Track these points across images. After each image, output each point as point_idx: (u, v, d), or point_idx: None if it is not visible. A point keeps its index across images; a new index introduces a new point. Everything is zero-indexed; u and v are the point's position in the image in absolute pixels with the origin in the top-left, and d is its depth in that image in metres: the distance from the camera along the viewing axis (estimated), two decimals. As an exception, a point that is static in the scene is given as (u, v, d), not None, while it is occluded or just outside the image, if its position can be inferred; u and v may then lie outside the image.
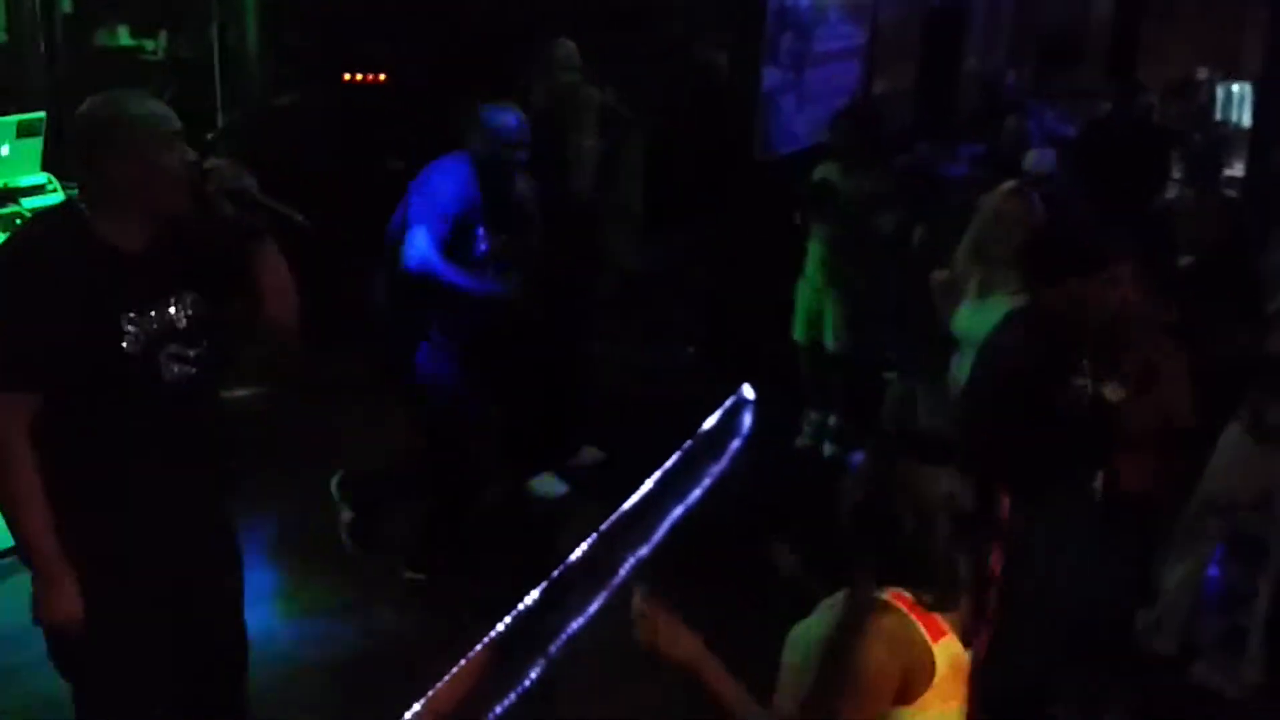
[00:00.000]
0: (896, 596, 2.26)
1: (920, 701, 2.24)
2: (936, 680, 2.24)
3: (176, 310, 2.86)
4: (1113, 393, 3.16)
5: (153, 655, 2.91)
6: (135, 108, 2.80)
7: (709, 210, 7.38)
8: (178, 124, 2.83)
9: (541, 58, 5.36)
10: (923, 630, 2.23)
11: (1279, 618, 4.45)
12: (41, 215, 2.91)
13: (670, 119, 7.83)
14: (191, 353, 2.87)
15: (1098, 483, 3.38)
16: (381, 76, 8.00)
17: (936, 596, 2.26)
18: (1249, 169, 9.41)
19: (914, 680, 2.22)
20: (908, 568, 2.26)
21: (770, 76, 7.12)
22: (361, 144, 7.91)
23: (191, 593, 2.98)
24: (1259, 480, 4.35)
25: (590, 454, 5.99)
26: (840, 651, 2.21)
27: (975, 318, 4.20)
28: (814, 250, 6.12)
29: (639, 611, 2.42)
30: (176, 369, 2.84)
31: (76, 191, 2.91)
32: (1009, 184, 4.32)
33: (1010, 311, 3.67)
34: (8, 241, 3.07)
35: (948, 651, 2.27)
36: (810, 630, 2.41)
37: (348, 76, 7.96)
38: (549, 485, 5.71)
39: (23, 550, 2.81)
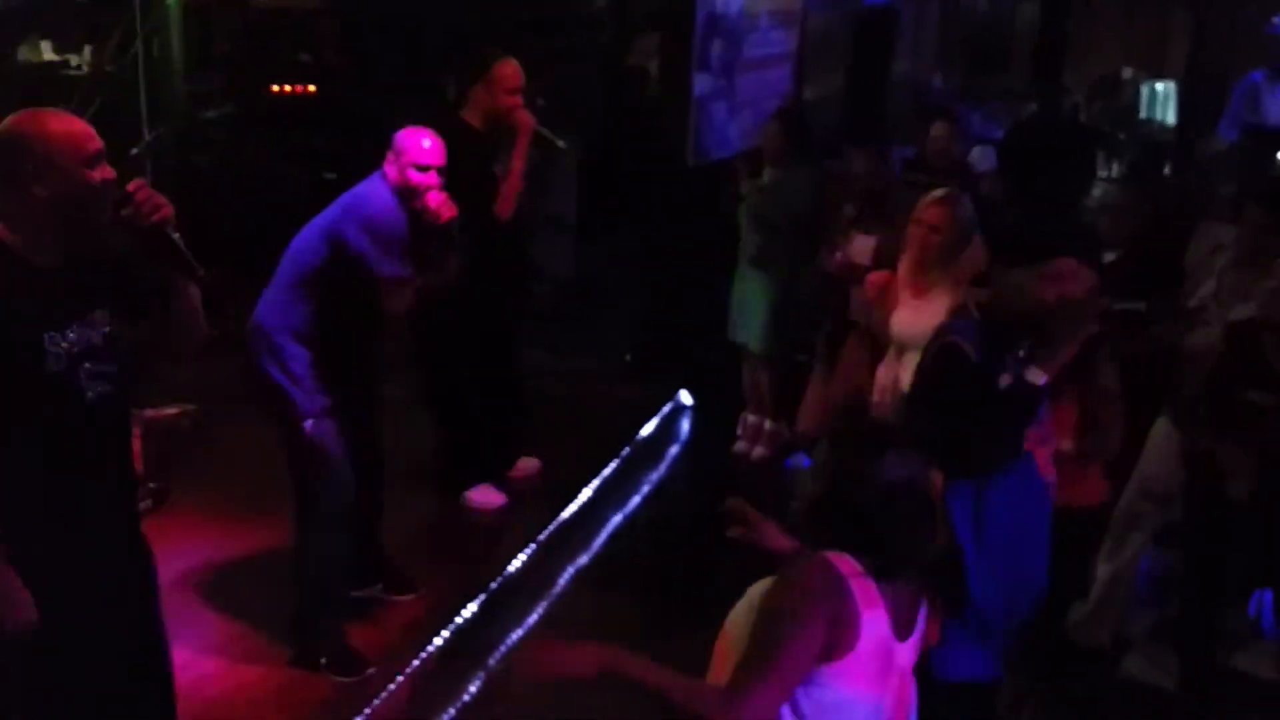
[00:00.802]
0: (838, 558, 2.33)
1: (841, 666, 2.29)
2: (859, 651, 2.29)
3: (94, 328, 2.85)
4: (1035, 376, 3.25)
5: (69, 675, 2.89)
6: (56, 125, 2.78)
7: (642, 217, 7.39)
8: (98, 142, 2.82)
9: (483, 75, 5.27)
10: (855, 593, 2.29)
11: (1207, 608, 4.51)
12: None
13: (602, 127, 7.85)
14: (108, 370, 2.87)
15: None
16: (311, 88, 7.95)
17: (881, 564, 2.34)
18: (1174, 166, 9.60)
19: (838, 638, 2.28)
20: (861, 545, 2.35)
21: (701, 83, 7.13)
22: (293, 155, 7.85)
23: (114, 608, 2.97)
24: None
25: (527, 464, 5.97)
26: (774, 603, 2.30)
27: (913, 318, 4.26)
28: (745, 253, 6.15)
29: (510, 680, 2.51)
30: (97, 387, 2.84)
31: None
32: (939, 191, 4.36)
33: (957, 307, 3.76)
34: None
35: (875, 628, 2.31)
36: (738, 610, 2.46)
37: (276, 88, 7.90)
38: (487, 496, 5.68)
39: None
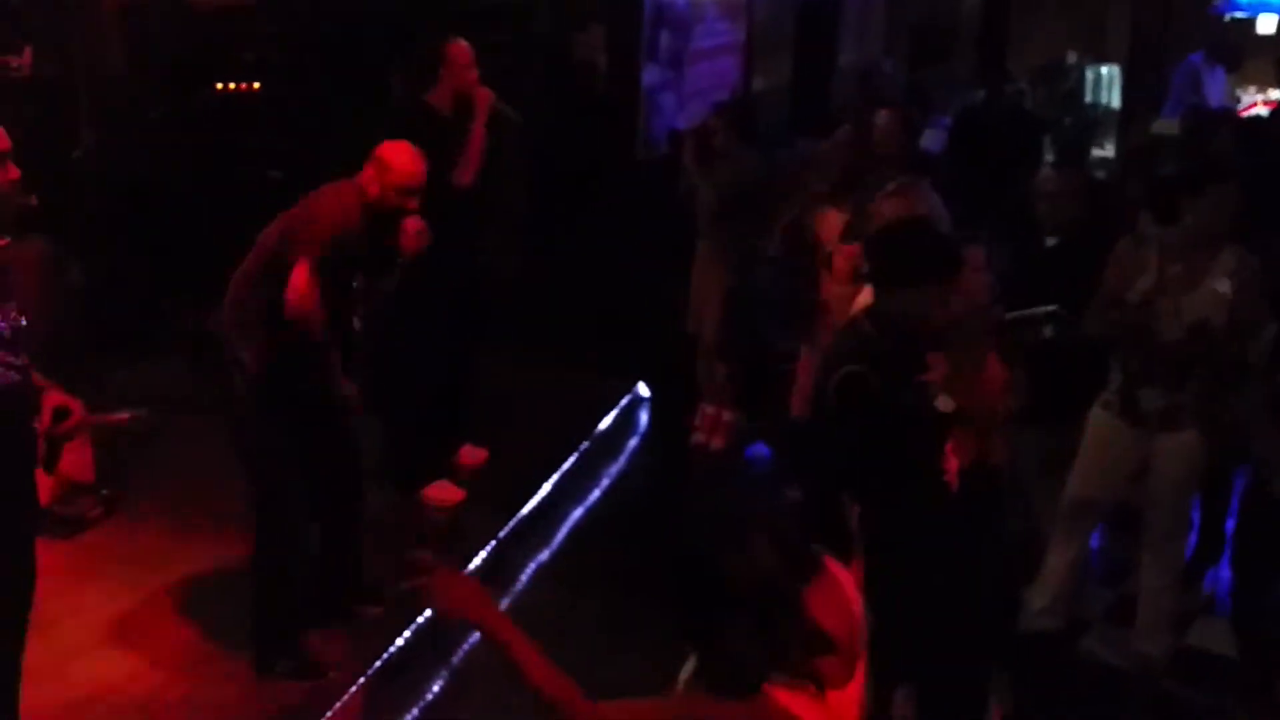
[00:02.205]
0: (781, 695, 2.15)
1: None
2: None
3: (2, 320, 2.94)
4: (944, 404, 3.20)
5: None
6: None
7: (593, 209, 7.38)
8: (4, 142, 2.94)
9: (442, 57, 5.25)
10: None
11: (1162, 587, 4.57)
12: None
13: (550, 120, 7.82)
14: (17, 361, 2.98)
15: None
16: (255, 85, 7.85)
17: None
18: (1117, 149, 9.71)
19: None
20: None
21: (650, 74, 7.14)
22: (238, 154, 7.75)
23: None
24: (1135, 457, 4.46)
25: (473, 454, 5.87)
26: None
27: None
28: (701, 243, 6.17)
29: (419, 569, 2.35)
30: (9, 376, 2.95)
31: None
32: (892, 184, 4.33)
33: (851, 317, 3.66)
34: None
35: None
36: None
37: (220, 86, 7.80)
38: (444, 492, 5.65)
39: None
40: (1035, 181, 5.25)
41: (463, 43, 5.31)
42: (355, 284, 4.34)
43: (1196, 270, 4.22)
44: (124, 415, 5.73)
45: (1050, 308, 4.06)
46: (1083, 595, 4.88)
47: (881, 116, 5.51)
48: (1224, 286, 4.17)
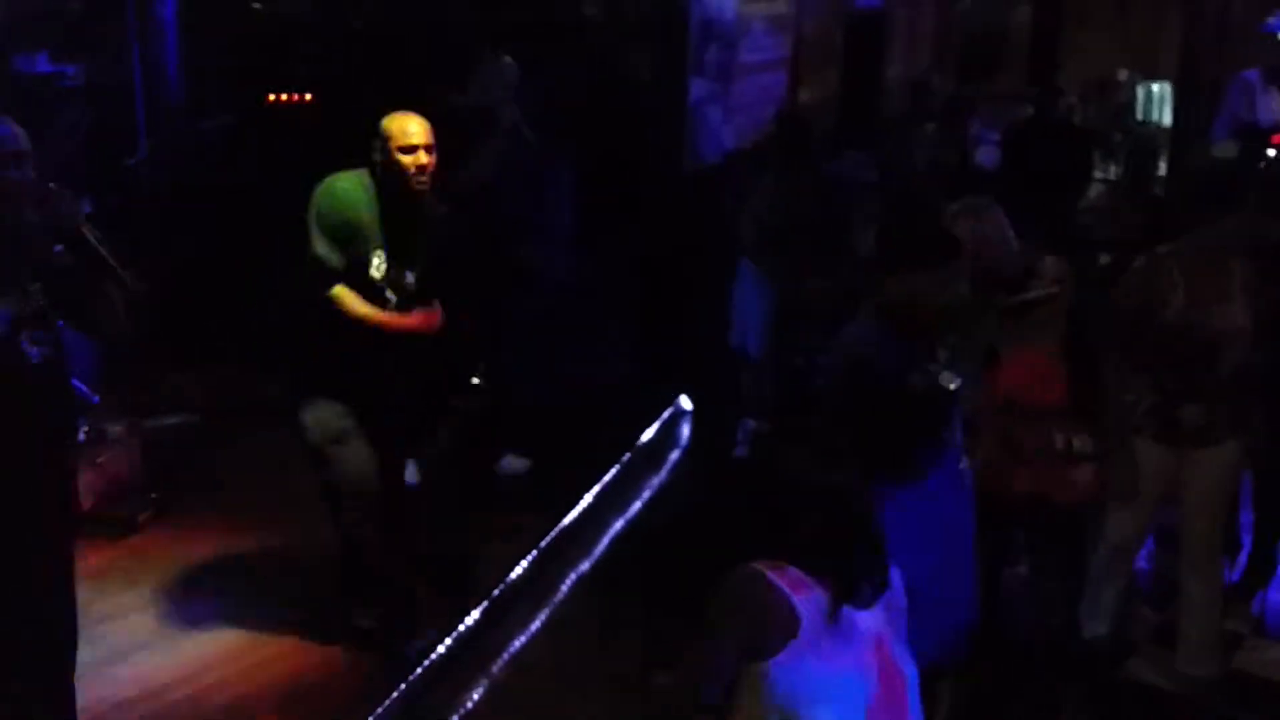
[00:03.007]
0: (770, 567, 2.41)
1: (784, 655, 2.35)
2: (802, 634, 2.35)
3: (23, 301, 3.01)
4: (948, 380, 3.29)
5: None
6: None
7: (639, 222, 7.40)
8: (22, 145, 3.03)
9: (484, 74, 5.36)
10: (781, 587, 2.37)
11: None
12: None
13: (597, 133, 7.85)
14: (47, 336, 3.09)
15: (963, 464, 3.50)
16: (308, 96, 7.94)
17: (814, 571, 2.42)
18: (1170, 167, 9.61)
19: (768, 635, 2.36)
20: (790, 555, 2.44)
21: (697, 88, 7.16)
22: (290, 165, 7.85)
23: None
24: (1168, 479, 4.41)
25: (514, 463, 5.95)
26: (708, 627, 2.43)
27: None
28: (747, 258, 6.16)
29: None
30: (36, 351, 3.04)
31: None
32: (956, 205, 4.31)
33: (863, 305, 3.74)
34: None
35: (812, 606, 2.38)
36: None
37: (273, 97, 7.90)
38: (514, 464, 5.83)
39: None
40: (1092, 198, 5.21)
41: (506, 60, 5.51)
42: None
43: (1224, 282, 4.20)
44: (175, 420, 5.81)
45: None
46: (1128, 617, 4.82)
47: (929, 131, 5.49)
48: (1248, 296, 4.17)
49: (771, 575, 2.39)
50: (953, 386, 3.27)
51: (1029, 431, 3.86)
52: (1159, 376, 4.30)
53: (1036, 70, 11.79)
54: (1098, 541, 4.50)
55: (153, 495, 5.24)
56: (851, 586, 2.43)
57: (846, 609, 2.42)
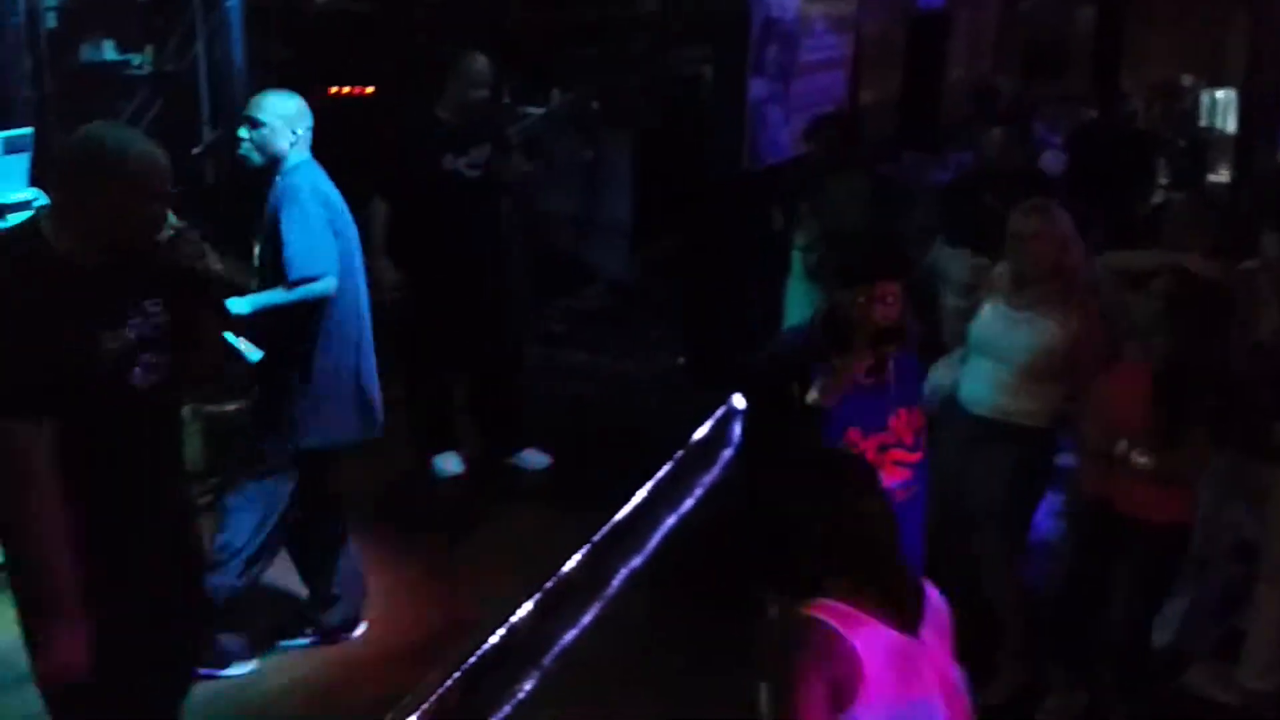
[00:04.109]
0: (816, 607, 2.30)
1: (862, 698, 2.26)
2: (868, 676, 2.26)
3: (148, 319, 2.86)
4: (811, 396, 3.44)
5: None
6: (137, 147, 2.83)
7: (696, 220, 7.39)
8: (169, 172, 2.88)
9: (454, 70, 5.46)
10: (841, 631, 2.27)
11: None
12: (11, 230, 2.87)
13: (657, 130, 7.86)
14: (161, 360, 2.90)
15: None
16: (369, 89, 8.00)
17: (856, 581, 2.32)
18: (1235, 174, 9.47)
19: (843, 685, 2.26)
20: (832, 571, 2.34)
21: (756, 87, 7.13)
22: (350, 157, 7.91)
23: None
24: (1255, 492, 4.36)
25: (533, 457, 5.97)
26: (774, 681, 2.31)
27: (995, 327, 4.23)
28: (799, 256, 6.13)
29: None
30: (152, 377, 2.86)
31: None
32: (1028, 202, 4.29)
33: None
34: None
35: (874, 645, 2.28)
36: (765, 633, 2.52)
37: (334, 90, 7.96)
38: (534, 459, 5.86)
39: (37, 598, 2.70)
40: (1165, 204, 5.16)
41: (482, 57, 5.48)
42: None
43: None
44: (235, 406, 5.86)
45: None
46: (1192, 628, 4.76)
47: (994, 135, 5.45)
48: None
49: (824, 618, 2.29)
50: (811, 402, 3.39)
51: (1122, 449, 3.83)
52: (1247, 392, 4.23)
53: (1100, 73, 11.68)
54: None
55: (213, 479, 5.29)
56: (894, 602, 2.34)
57: (902, 639, 2.33)
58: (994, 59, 11.79)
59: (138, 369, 2.83)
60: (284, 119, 4.02)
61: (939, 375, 4.49)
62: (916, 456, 3.58)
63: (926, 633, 2.40)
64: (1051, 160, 6.86)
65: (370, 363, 4.25)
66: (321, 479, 4.26)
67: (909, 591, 2.41)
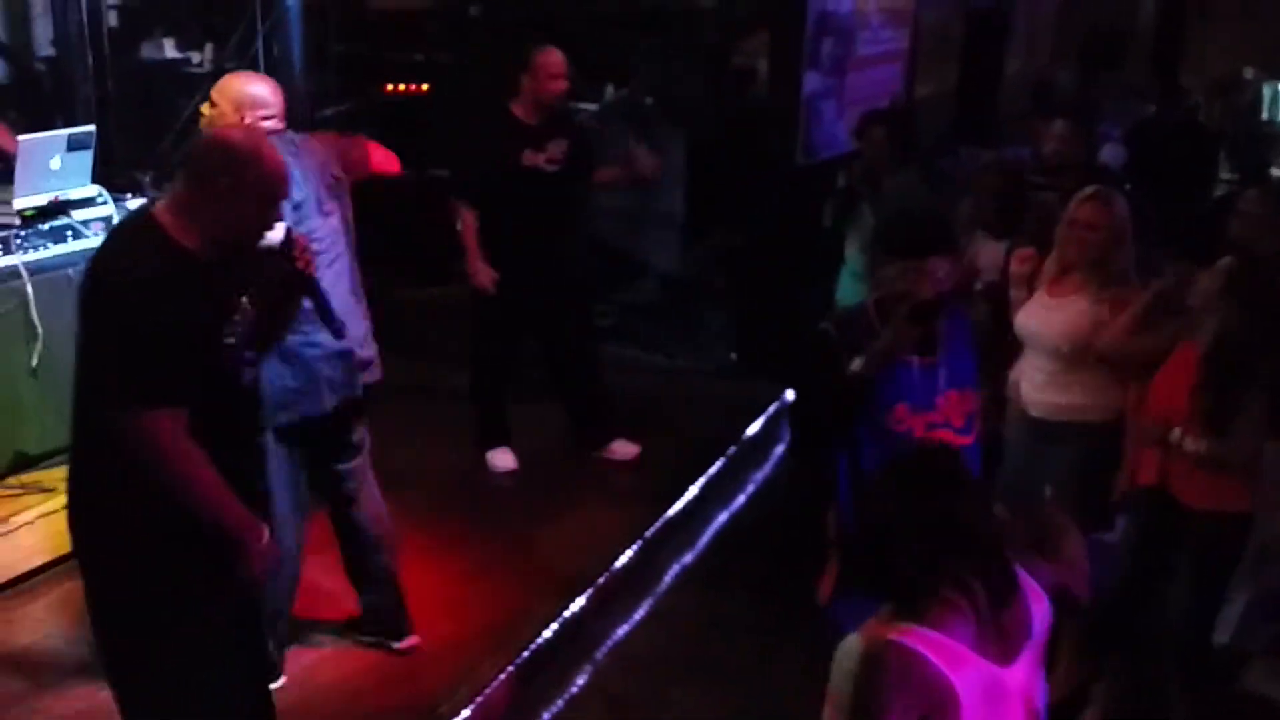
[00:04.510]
0: (906, 635, 2.18)
1: None
2: (964, 707, 2.16)
3: (246, 317, 2.96)
4: (855, 364, 3.42)
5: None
6: (274, 157, 2.91)
7: (749, 215, 7.37)
8: (289, 178, 3.03)
9: (528, 65, 5.42)
10: (936, 664, 2.15)
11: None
12: (133, 234, 2.92)
13: (710, 124, 7.84)
14: (256, 357, 3.04)
15: None
16: (424, 86, 8.05)
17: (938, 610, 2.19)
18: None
19: (936, 711, 2.15)
20: (908, 584, 2.22)
21: (811, 81, 7.10)
22: (405, 153, 7.96)
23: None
24: None
25: (624, 448, 5.96)
26: (860, 702, 2.17)
27: (1044, 318, 4.20)
28: (851, 251, 6.09)
29: None
30: (250, 372, 3.01)
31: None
32: (1091, 188, 4.24)
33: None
34: (115, 267, 2.86)
35: (969, 679, 2.17)
36: (849, 648, 2.28)
37: (390, 87, 8.02)
38: (624, 449, 5.87)
39: (222, 525, 2.89)
40: (1226, 198, 5.07)
41: (555, 52, 5.43)
42: None
43: None
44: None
45: None
46: (1250, 627, 4.69)
47: (1057, 127, 5.38)
48: None
49: (921, 649, 2.16)
50: (854, 370, 3.41)
51: (1176, 436, 3.79)
52: None
53: (1159, 67, 11.51)
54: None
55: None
56: (998, 605, 2.22)
57: (996, 672, 2.21)
58: (1053, 52, 11.66)
59: (245, 367, 2.96)
60: (234, 103, 3.94)
61: None
62: (966, 440, 3.53)
63: (1026, 651, 2.28)
64: (1111, 154, 6.78)
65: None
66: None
67: (1013, 593, 2.27)
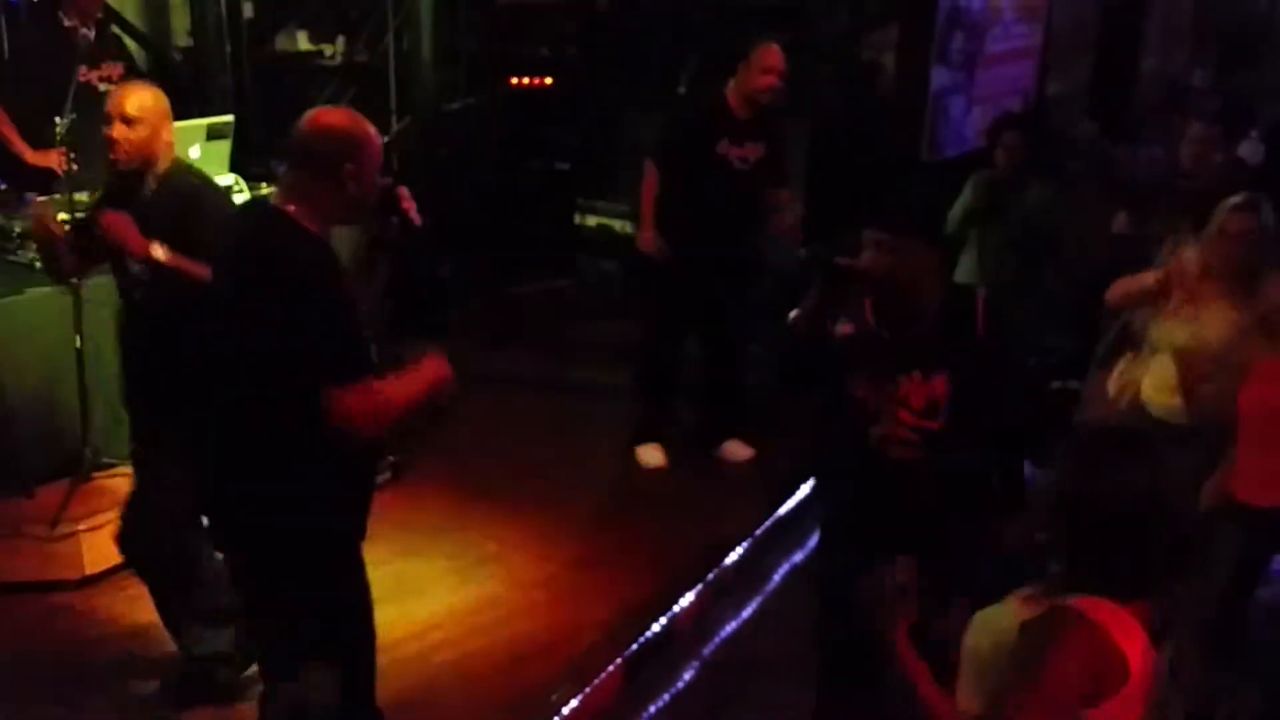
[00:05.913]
0: (1088, 604, 2.16)
1: (1105, 708, 2.13)
2: (1128, 689, 2.13)
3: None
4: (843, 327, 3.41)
5: None
6: (373, 131, 3.00)
7: (873, 213, 7.27)
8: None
9: (745, 56, 5.40)
10: (1116, 640, 2.13)
11: None
12: (273, 227, 3.01)
13: (835, 120, 7.76)
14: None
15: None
16: (548, 80, 8.12)
17: (1129, 587, 2.18)
18: None
19: (1103, 689, 2.13)
20: (1104, 561, 2.20)
21: (940, 77, 6.99)
22: (528, 146, 8.05)
23: None
24: None
25: (735, 449, 5.95)
26: (1030, 666, 2.14)
27: (1180, 328, 4.09)
28: (969, 251, 5.98)
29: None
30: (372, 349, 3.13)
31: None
32: (1238, 197, 4.11)
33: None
34: (283, 259, 2.91)
35: (1140, 660, 2.15)
36: (997, 620, 2.33)
37: (515, 81, 8.10)
38: (737, 450, 5.87)
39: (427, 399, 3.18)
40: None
41: (774, 47, 5.40)
42: None
43: None
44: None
45: None
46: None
47: (1194, 130, 5.23)
48: None
49: (1110, 628, 2.14)
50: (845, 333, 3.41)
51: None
52: None
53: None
54: None
55: (390, 459, 5.45)
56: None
57: (1158, 658, 2.19)
58: (1188, 49, 11.30)
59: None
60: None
61: None
62: (929, 425, 3.40)
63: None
64: (1249, 150, 6.54)
65: None
66: None
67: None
